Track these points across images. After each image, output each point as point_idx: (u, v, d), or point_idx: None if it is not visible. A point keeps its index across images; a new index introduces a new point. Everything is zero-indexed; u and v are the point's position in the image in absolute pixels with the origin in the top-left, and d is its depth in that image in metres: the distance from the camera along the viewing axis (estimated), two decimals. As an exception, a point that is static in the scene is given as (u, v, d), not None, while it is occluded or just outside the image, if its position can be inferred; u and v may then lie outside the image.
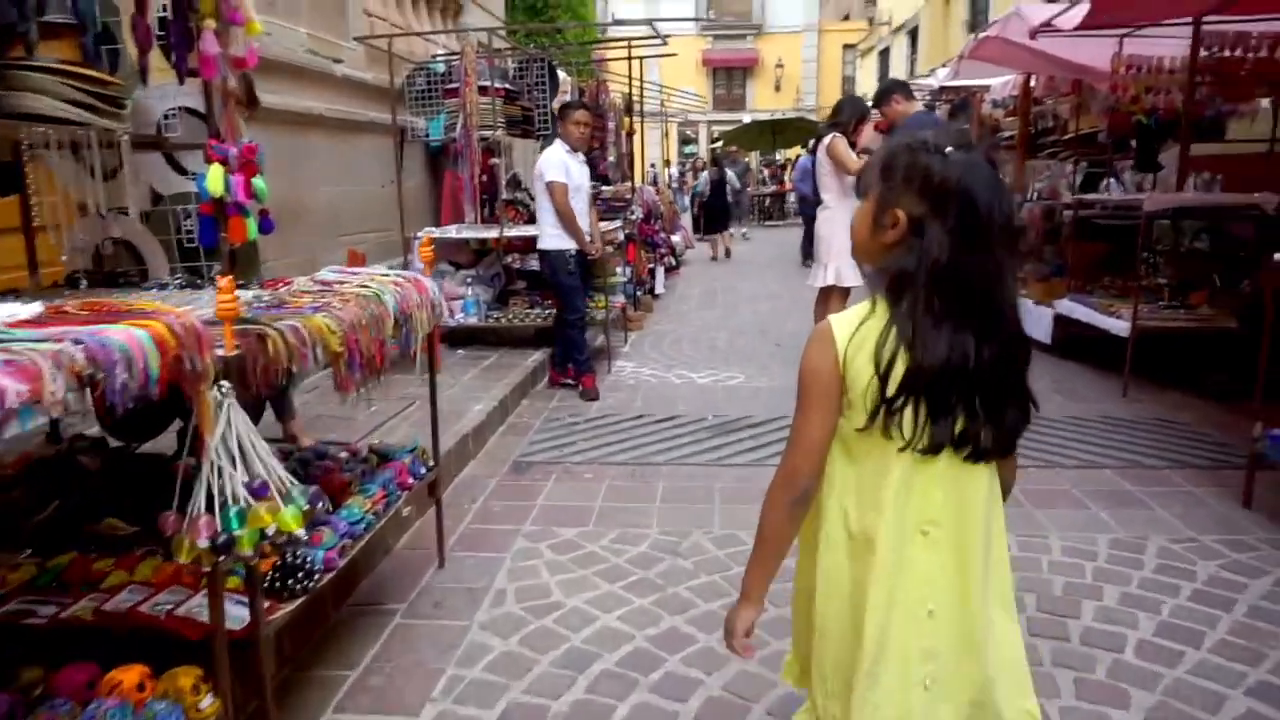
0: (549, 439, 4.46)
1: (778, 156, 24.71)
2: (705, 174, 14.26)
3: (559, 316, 5.32)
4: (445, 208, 7.11)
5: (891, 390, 1.19)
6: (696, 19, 24.34)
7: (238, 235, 2.81)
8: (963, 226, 1.17)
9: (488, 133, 5.84)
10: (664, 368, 6.09)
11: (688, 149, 31.40)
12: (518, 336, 6.08)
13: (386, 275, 2.59)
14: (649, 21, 6.30)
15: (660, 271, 9.65)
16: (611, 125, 9.79)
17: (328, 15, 5.88)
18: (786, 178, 20.45)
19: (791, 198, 18.75)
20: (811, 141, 13.16)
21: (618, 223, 6.63)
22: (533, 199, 5.90)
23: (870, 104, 5.37)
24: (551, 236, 5.15)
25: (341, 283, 2.46)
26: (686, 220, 14.37)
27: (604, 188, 7.44)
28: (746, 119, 27.61)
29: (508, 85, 6.19)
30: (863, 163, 5.28)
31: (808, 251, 12.36)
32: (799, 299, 9.14)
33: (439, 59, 6.87)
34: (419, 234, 6.10)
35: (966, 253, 1.17)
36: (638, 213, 7.60)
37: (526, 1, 13.22)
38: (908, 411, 1.20)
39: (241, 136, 2.96)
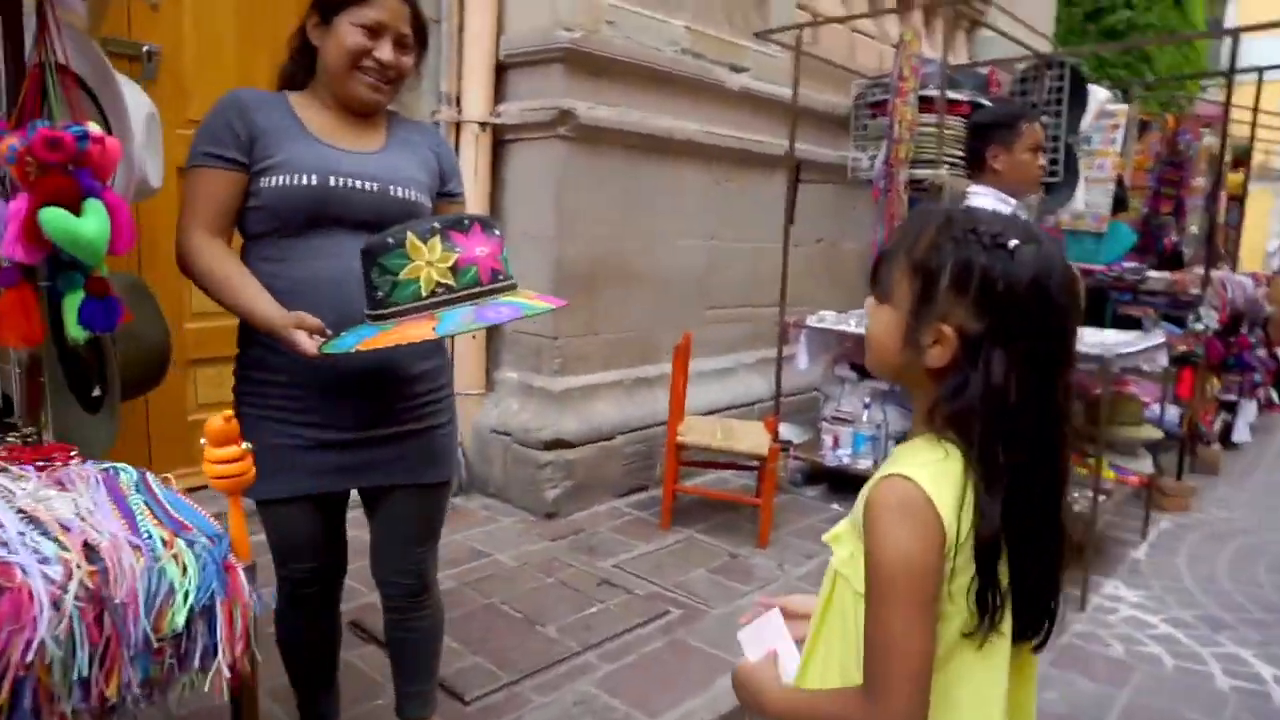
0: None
1: None
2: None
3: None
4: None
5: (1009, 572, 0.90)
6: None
7: (12, 330, 1.25)
8: (1043, 349, 0.89)
9: (924, 172, 3.61)
10: (1207, 627, 3.14)
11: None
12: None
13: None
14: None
15: (1249, 408, 6.09)
16: (1198, 181, 6.53)
17: (734, 7, 4.25)
18: None
19: None
20: None
21: (1157, 335, 3.76)
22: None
23: None
24: None
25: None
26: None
27: (1149, 274, 4.55)
28: None
29: (980, 98, 3.84)
30: None
31: None
32: None
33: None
34: (810, 318, 4.11)
35: (1049, 380, 0.89)
36: (1209, 320, 4.52)
37: (1101, 25, 10.11)
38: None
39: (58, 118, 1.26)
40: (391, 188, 1.60)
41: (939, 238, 0.92)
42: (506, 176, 3.73)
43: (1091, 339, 3.47)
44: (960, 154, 3.67)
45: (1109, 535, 3.89)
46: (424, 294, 1.35)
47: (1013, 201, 2.72)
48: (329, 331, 1.44)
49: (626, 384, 3.89)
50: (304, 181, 1.54)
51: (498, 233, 1.45)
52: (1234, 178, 8.47)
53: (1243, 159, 8.97)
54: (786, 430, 4.23)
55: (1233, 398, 5.96)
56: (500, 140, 3.69)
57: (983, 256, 0.88)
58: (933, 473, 0.88)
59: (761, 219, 4.59)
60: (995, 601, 0.89)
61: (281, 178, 1.54)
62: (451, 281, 1.35)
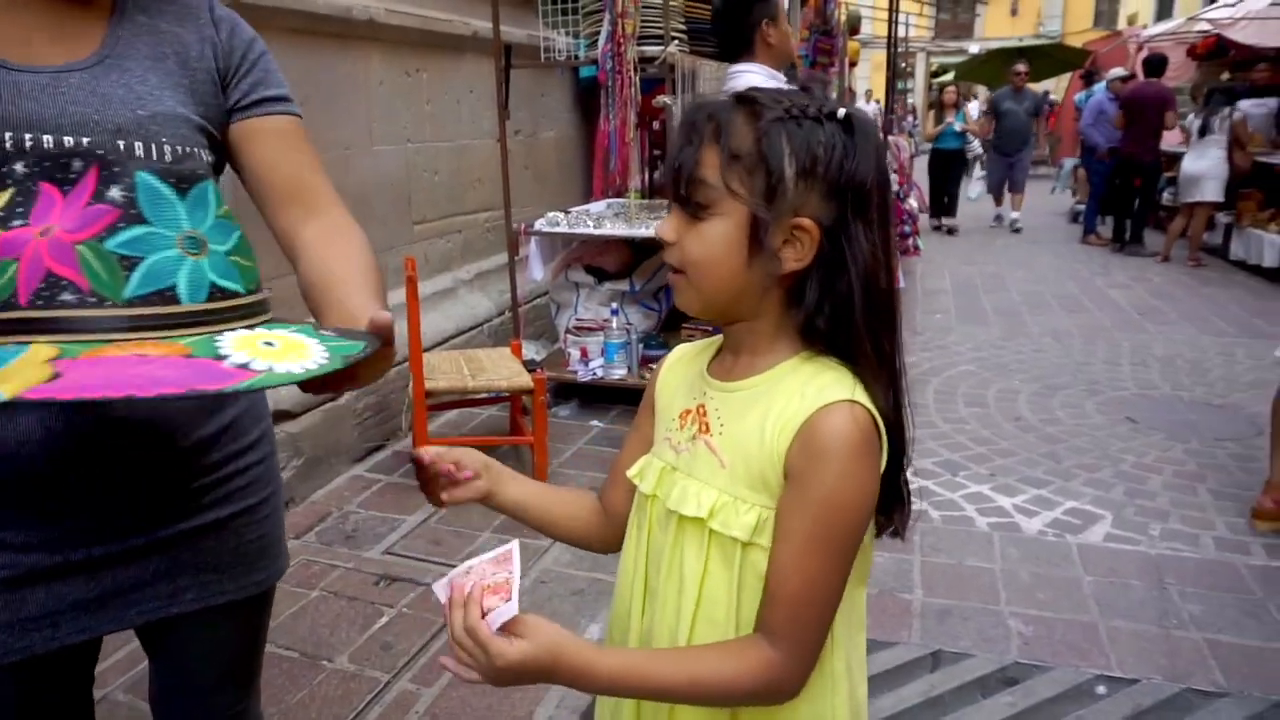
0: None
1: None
2: (967, 112, 10.07)
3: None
4: (598, 172, 4.67)
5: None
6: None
7: None
8: (880, 218, 0.81)
9: (654, 49, 3.32)
10: (946, 468, 3.44)
11: (900, 86, 27.28)
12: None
13: None
14: None
15: (897, 257, 6.83)
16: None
17: None
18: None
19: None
20: (1116, 71, 9.69)
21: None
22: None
23: None
24: None
25: None
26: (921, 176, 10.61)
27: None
28: (974, 49, 23.57)
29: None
30: None
31: (1091, 224, 9.07)
32: (1114, 310, 6.10)
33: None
34: (540, 221, 3.71)
35: (888, 247, 0.82)
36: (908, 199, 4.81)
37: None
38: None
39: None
40: (121, 143, 0.87)
41: (761, 123, 0.78)
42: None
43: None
44: (684, 27, 3.42)
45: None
46: None
47: (782, 77, 2.54)
48: None
49: (342, 327, 3.25)
50: None
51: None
52: (853, 44, 9.32)
53: (855, 26, 9.92)
54: (526, 349, 3.87)
55: (887, 250, 6.63)
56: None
57: (820, 134, 0.78)
58: (852, 390, 0.80)
59: (456, 113, 4.03)
60: (904, 495, 0.87)
61: None
62: None
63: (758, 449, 0.81)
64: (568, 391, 3.91)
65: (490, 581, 0.74)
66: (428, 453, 0.93)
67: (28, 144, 0.83)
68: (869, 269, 0.79)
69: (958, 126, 9.77)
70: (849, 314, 0.80)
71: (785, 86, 0.84)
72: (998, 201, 10.21)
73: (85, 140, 0.86)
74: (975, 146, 10.11)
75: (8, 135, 0.82)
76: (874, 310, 0.80)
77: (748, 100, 0.80)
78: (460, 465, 0.94)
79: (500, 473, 0.98)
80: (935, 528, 2.95)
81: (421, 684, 1.98)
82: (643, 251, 3.90)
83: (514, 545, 0.78)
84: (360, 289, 0.91)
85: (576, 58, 4.05)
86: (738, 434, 0.83)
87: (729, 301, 0.83)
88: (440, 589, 0.77)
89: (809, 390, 0.80)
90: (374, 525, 2.74)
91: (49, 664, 0.94)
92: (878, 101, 17.06)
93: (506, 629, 0.73)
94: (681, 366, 0.97)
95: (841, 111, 0.79)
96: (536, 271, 3.72)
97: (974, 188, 10.41)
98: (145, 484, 0.94)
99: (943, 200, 9.96)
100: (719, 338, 0.93)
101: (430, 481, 0.94)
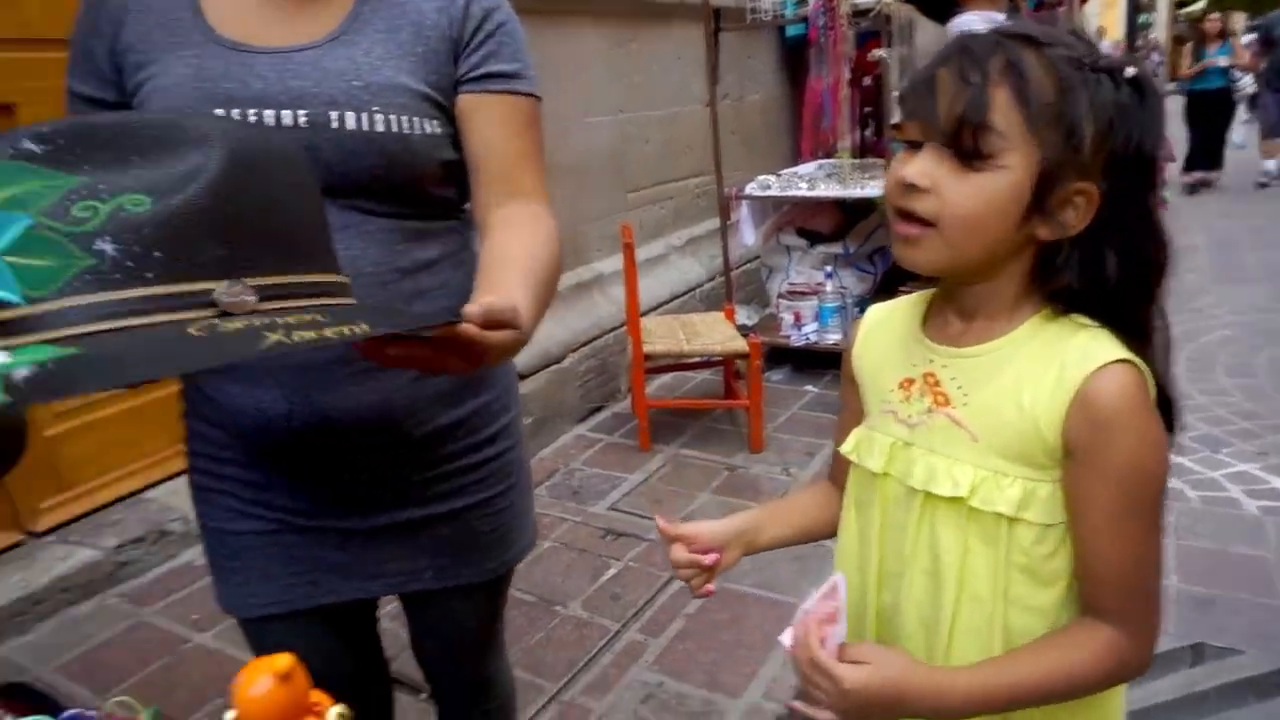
0: None
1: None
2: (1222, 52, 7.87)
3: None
4: (806, 133, 4.56)
5: None
6: None
7: None
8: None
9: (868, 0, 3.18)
10: (1205, 444, 3.09)
11: (1141, 19, 24.44)
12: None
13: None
14: None
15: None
16: None
17: None
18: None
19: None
20: None
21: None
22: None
23: None
24: None
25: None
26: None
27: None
28: (1232, -29, 20.65)
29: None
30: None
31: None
32: None
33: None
34: (751, 185, 3.68)
35: None
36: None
37: None
38: None
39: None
40: (333, 114, 0.88)
41: (1061, 71, 0.70)
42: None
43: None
44: (903, -25, 3.25)
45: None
46: None
47: (1001, 17, 2.35)
48: None
49: (564, 294, 3.40)
50: None
51: None
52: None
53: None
54: (739, 314, 3.88)
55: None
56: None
57: (1117, 95, 0.71)
58: (1126, 352, 0.74)
59: (665, 81, 4.06)
60: None
61: None
62: None
63: (1016, 418, 0.75)
64: (780, 356, 3.87)
65: (822, 615, 0.76)
66: (680, 569, 0.92)
67: (263, 118, 0.87)
68: (1159, 239, 0.75)
69: (1223, 61, 8.09)
70: (1138, 284, 0.75)
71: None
72: (1268, 153, 8.33)
73: (302, 114, 0.87)
74: (1246, 84, 8.39)
75: (234, 113, 0.86)
76: (1160, 281, 0.77)
77: (1032, 40, 0.71)
78: (693, 539, 0.90)
79: (752, 532, 0.95)
80: (1193, 508, 2.67)
81: (649, 634, 2.06)
82: (855, 213, 3.77)
83: (838, 578, 0.78)
84: (515, 274, 0.86)
85: (783, 16, 3.95)
86: (986, 403, 0.78)
87: (984, 261, 0.75)
88: (785, 638, 0.79)
89: (1070, 354, 0.75)
90: (597, 483, 2.86)
91: (325, 619, 1.05)
92: (1113, 41, 15.35)
93: (852, 658, 0.74)
94: (884, 331, 0.90)
95: (1131, 70, 0.71)
96: (748, 236, 3.70)
97: (1239, 132, 8.76)
98: (377, 469, 0.99)
99: (1201, 152, 8.33)
100: (920, 295, 0.87)
101: (691, 579, 0.92)
